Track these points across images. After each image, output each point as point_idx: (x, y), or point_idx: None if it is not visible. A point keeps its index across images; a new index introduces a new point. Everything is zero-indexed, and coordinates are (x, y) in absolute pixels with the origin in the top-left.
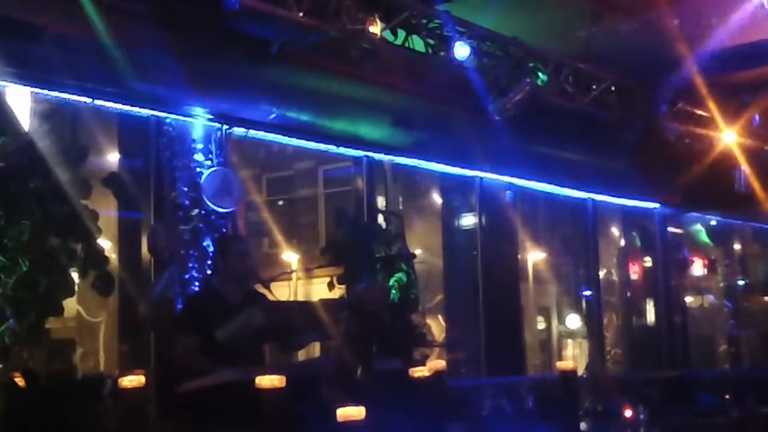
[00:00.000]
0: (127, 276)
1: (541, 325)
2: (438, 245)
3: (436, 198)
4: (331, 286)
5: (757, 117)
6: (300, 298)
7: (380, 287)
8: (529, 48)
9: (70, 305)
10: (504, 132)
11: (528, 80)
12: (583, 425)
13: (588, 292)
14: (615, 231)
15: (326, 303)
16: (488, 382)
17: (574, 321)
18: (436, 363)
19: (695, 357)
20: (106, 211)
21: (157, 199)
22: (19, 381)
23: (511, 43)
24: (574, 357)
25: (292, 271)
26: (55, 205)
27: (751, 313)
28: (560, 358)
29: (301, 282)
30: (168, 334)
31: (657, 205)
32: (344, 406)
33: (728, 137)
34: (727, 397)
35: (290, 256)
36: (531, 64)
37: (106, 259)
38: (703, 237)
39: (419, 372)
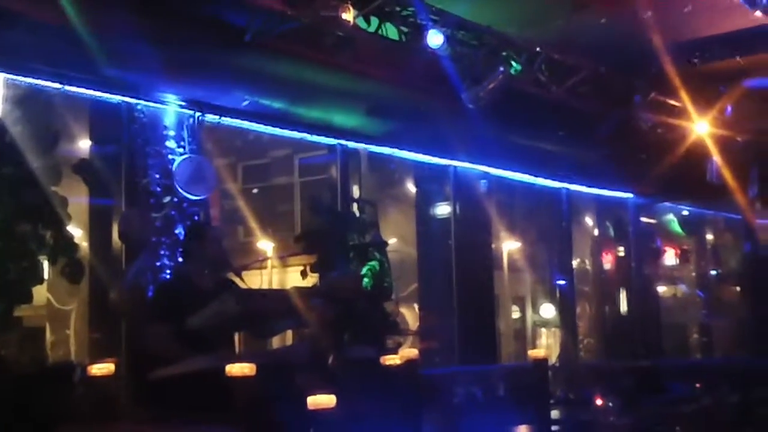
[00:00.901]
0: (98, 263)
1: (515, 314)
2: (412, 234)
3: (411, 187)
4: (304, 274)
5: (729, 107)
6: (274, 287)
7: (353, 275)
8: (503, 37)
9: (41, 293)
10: (479, 121)
11: (502, 69)
12: (554, 413)
13: (562, 282)
14: (589, 221)
15: (300, 290)
16: (461, 370)
17: (548, 310)
18: (409, 351)
19: (667, 346)
20: (77, 197)
21: (129, 186)
22: None
23: (485, 31)
24: (548, 346)
25: (265, 259)
26: (26, 191)
27: (723, 303)
28: (534, 347)
29: (276, 270)
30: (139, 321)
31: (630, 194)
32: (316, 394)
33: (701, 128)
34: (699, 385)
35: (265, 245)
36: (505, 53)
37: (75, 245)
38: (676, 227)
39: (392, 360)
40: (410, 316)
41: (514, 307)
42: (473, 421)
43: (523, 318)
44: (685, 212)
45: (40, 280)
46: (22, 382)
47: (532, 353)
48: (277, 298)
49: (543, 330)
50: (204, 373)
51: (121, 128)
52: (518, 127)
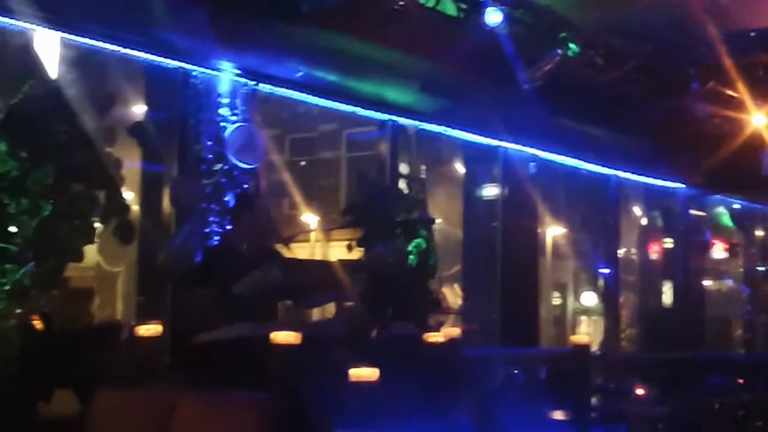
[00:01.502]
0: (148, 227)
1: (556, 300)
2: (458, 215)
3: (459, 167)
4: (349, 248)
5: None
6: (318, 256)
7: (399, 251)
8: (561, 18)
9: (90, 255)
10: (531, 103)
11: (559, 50)
12: (593, 401)
13: (606, 270)
14: (637, 210)
15: (344, 264)
16: (502, 351)
17: (590, 298)
18: (451, 330)
19: (710, 340)
20: (130, 162)
21: (181, 152)
22: (37, 324)
23: (543, 11)
24: (588, 334)
25: (311, 230)
26: (79, 151)
27: None
28: (574, 335)
29: (320, 245)
30: (185, 286)
31: (681, 185)
32: (356, 367)
33: (757, 120)
34: (740, 381)
35: (310, 218)
36: (562, 35)
37: (127, 207)
38: (726, 220)
39: (433, 337)
40: (452, 296)
41: (555, 294)
42: (512, 402)
43: (563, 305)
44: (736, 206)
45: (91, 240)
46: (67, 340)
47: (575, 338)
48: (321, 269)
49: (583, 318)
50: (246, 339)
51: (176, 94)
52: (569, 111)
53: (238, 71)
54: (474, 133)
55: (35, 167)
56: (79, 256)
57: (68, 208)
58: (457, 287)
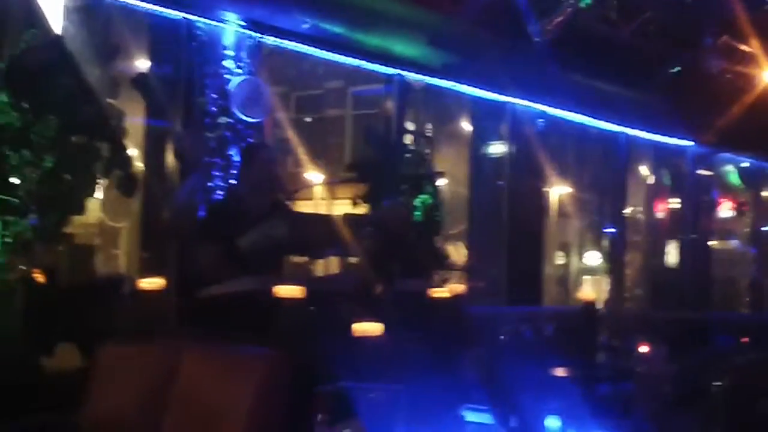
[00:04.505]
0: (152, 182)
1: (560, 260)
2: (464, 173)
3: (465, 125)
4: (354, 203)
5: None
6: (323, 210)
7: (404, 206)
8: None
9: (93, 211)
10: (541, 58)
11: (572, 1)
12: (599, 358)
13: (612, 229)
14: (645, 169)
15: (350, 218)
16: (508, 310)
17: (594, 258)
18: (457, 286)
19: (716, 300)
20: (134, 117)
21: (186, 106)
22: (39, 278)
23: None
24: (587, 287)
25: (316, 185)
26: (82, 103)
27: None
28: (579, 293)
29: (325, 203)
30: (190, 240)
31: (691, 143)
32: (362, 322)
33: None
34: (745, 340)
35: (315, 176)
36: None
37: (130, 159)
38: (734, 178)
39: (439, 293)
40: (457, 255)
41: (560, 253)
42: (517, 360)
43: (567, 264)
44: (745, 164)
45: (93, 192)
46: (70, 294)
47: (582, 295)
48: (327, 223)
49: (587, 278)
50: (251, 294)
51: (180, 47)
52: (580, 66)
53: (243, 23)
54: (482, 89)
55: (38, 119)
56: (80, 209)
57: (71, 161)
58: (461, 246)
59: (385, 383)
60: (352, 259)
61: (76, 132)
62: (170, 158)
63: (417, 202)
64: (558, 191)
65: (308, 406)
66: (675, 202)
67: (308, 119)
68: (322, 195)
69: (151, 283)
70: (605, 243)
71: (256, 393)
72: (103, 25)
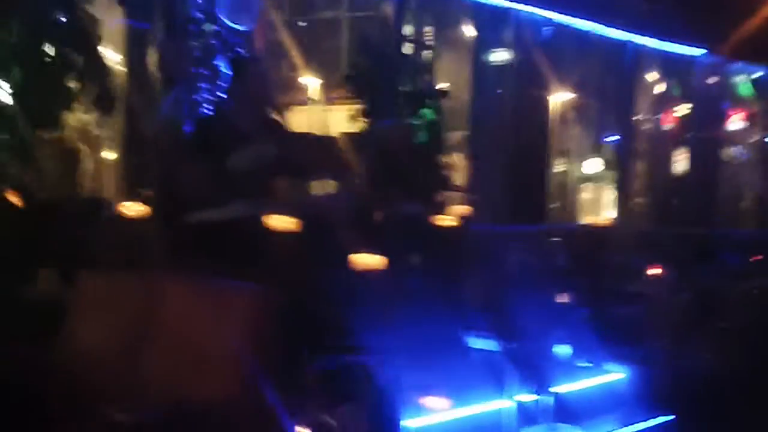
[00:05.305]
0: (133, 95)
1: (560, 167)
2: (465, 81)
3: (467, 31)
4: (353, 119)
5: None
6: (319, 128)
7: (405, 126)
8: None
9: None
10: None
11: None
12: (607, 280)
13: (615, 137)
14: (653, 77)
15: (347, 137)
16: (512, 229)
17: (594, 165)
18: (460, 208)
19: (723, 213)
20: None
21: (168, 10)
22: (14, 199)
23: None
24: (590, 202)
25: (311, 99)
26: (51, 8)
27: None
28: (577, 203)
29: (321, 109)
30: (173, 159)
31: (703, 51)
32: (361, 251)
33: None
34: (758, 258)
35: (310, 81)
36: None
37: (106, 69)
38: (746, 89)
39: (442, 218)
40: (456, 165)
41: (559, 161)
42: (521, 284)
43: (566, 172)
44: (758, 74)
45: (67, 106)
46: (47, 217)
47: (590, 220)
48: (323, 144)
49: (587, 185)
50: (241, 220)
51: None
52: None
53: None
54: None
55: None
56: (54, 124)
57: (41, 72)
58: (462, 157)
59: (387, 314)
60: (350, 183)
61: (44, 39)
62: (153, 68)
63: (418, 119)
64: (560, 97)
65: (296, 343)
66: (683, 111)
67: (302, 23)
68: (317, 98)
69: (131, 207)
70: (608, 151)
71: (240, 330)
72: None
